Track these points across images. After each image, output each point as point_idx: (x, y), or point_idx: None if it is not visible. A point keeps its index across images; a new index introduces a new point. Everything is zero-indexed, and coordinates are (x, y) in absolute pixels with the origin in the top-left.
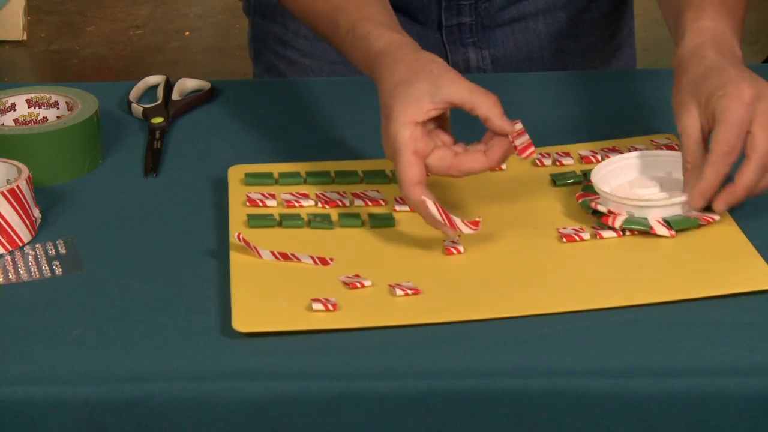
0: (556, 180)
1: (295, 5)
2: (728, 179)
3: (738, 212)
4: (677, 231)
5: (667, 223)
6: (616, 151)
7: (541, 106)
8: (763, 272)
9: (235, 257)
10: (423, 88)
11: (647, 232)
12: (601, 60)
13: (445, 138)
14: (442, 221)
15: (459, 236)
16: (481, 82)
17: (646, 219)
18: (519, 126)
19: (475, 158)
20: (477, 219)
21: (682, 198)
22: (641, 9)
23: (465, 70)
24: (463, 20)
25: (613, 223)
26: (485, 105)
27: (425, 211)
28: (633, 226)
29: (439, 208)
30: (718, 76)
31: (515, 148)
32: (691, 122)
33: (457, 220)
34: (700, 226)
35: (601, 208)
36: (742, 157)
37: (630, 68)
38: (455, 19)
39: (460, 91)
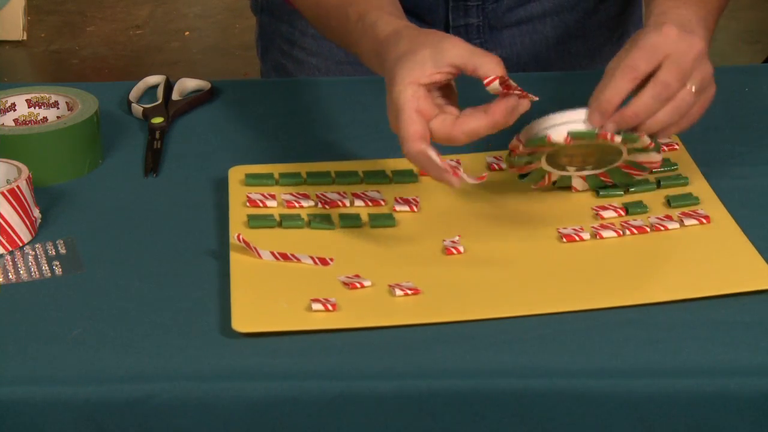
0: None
1: (304, 3)
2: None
3: (738, 212)
4: (573, 138)
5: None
6: None
7: (546, 106)
8: (763, 272)
9: (235, 257)
10: (426, 54)
11: (543, 143)
12: (609, 61)
13: (452, 110)
14: (445, 168)
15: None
16: None
17: (545, 136)
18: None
19: (477, 117)
20: (483, 174)
21: (582, 112)
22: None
23: None
24: (471, 21)
25: (517, 151)
26: (487, 65)
27: (428, 162)
28: (533, 144)
29: (442, 159)
30: (652, 25)
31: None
32: (614, 59)
33: (461, 171)
34: (597, 137)
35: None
36: None
37: None
38: (462, 20)
39: (462, 53)
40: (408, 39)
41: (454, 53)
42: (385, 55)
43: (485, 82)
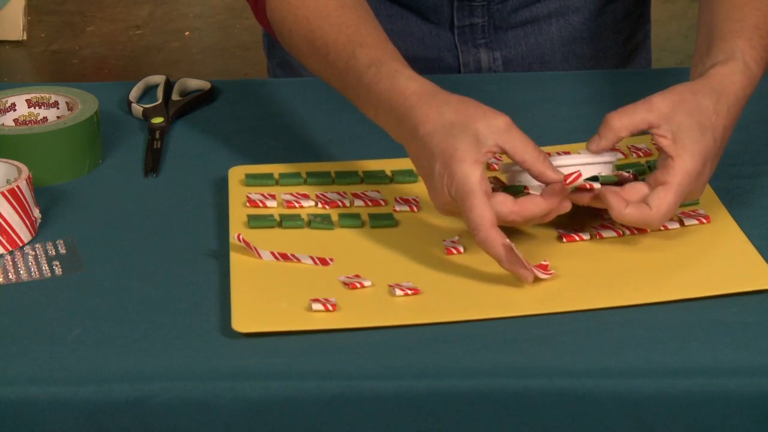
0: None
1: (298, 30)
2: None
3: (738, 212)
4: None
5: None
6: (617, 150)
7: (550, 106)
8: (763, 272)
9: (235, 258)
10: (480, 129)
11: (521, 191)
12: (615, 64)
13: None
14: (526, 266)
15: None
16: (492, 80)
17: (524, 187)
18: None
19: (535, 201)
20: (544, 263)
21: (560, 160)
22: None
23: (476, 70)
24: (476, 21)
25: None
26: (537, 162)
27: (508, 255)
28: (512, 190)
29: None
30: (703, 141)
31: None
32: (651, 117)
33: (534, 268)
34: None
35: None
36: None
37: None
38: (467, 19)
39: (513, 140)
40: (452, 107)
41: (506, 137)
42: (422, 117)
43: (567, 182)
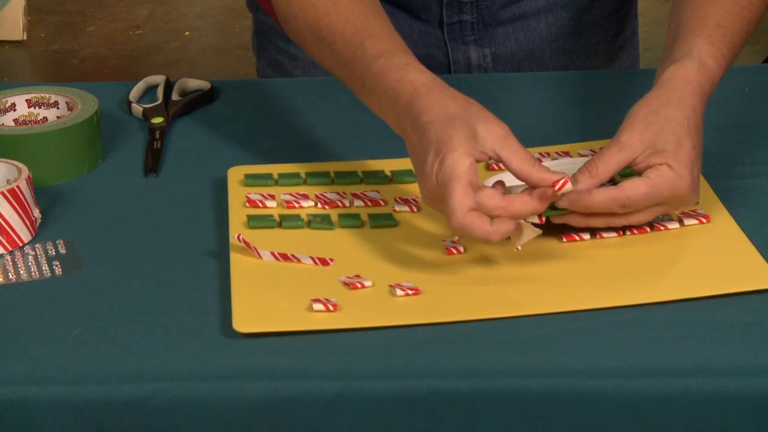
0: None
1: (305, 17)
2: None
3: (738, 212)
4: (545, 217)
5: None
6: None
7: (541, 106)
8: (763, 271)
9: (235, 258)
10: (480, 130)
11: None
12: (603, 60)
13: None
14: (496, 230)
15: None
16: (482, 80)
17: None
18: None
19: (523, 200)
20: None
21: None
22: (641, 8)
23: (466, 68)
24: (465, 18)
25: None
26: (533, 172)
27: (478, 229)
28: None
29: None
30: (679, 147)
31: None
32: (626, 156)
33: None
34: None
35: None
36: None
37: (632, 68)
38: (457, 16)
39: (511, 148)
40: (458, 103)
41: (502, 145)
42: (426, 107)
43: (556, 188)
